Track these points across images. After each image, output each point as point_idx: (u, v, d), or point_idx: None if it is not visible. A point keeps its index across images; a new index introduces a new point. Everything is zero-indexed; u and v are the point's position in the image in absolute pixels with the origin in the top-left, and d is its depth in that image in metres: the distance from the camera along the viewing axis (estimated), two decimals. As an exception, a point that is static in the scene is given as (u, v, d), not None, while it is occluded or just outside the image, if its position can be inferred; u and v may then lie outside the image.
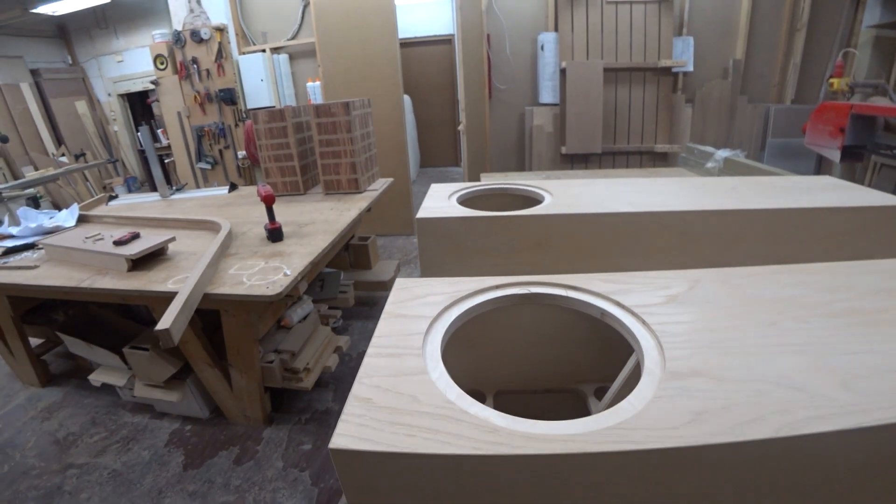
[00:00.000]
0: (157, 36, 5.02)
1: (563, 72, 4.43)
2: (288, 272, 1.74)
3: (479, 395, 1.29)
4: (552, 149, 4.81)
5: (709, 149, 3.34)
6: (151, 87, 5.71)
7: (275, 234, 2.17)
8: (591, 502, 0.70)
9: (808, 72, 4.30)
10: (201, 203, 3.21)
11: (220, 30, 4.69)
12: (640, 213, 1.61)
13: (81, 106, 6.73)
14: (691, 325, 0.92)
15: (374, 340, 0.96)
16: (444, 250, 1.73)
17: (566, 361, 1.28)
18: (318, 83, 4.60)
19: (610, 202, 1.73)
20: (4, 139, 5.51)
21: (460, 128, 3.98)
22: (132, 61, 6.59)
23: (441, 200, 1.89)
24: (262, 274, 1.76)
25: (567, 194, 1.86)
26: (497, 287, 1.13)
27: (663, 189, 1.91)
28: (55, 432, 2.28)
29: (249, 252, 2.05)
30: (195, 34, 4.63)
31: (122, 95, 6.79)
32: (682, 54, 4.45)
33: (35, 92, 6.50)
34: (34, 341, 2.73)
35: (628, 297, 1.03)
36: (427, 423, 0.72)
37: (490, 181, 2.20)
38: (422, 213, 1.72)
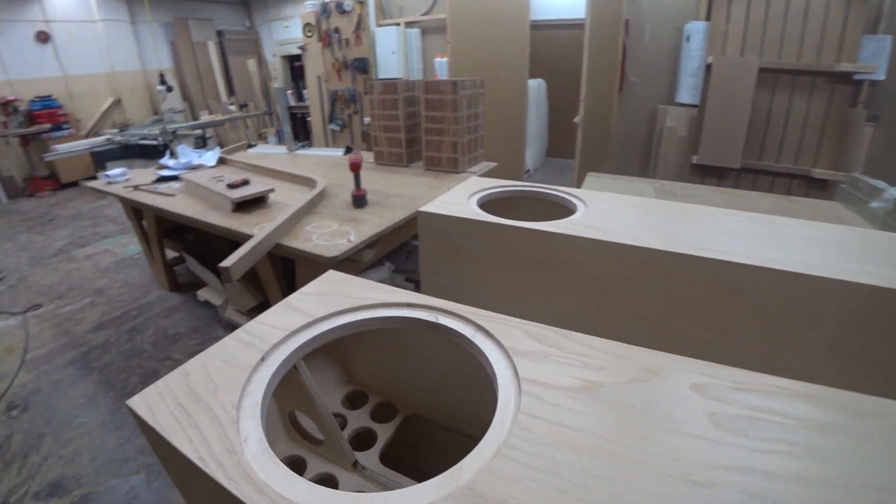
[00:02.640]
0: (308, 6, 5.52)
1: (707, 67, 3.93)
2: (352, 238, 1.85)
3: (391, 410, 1.23)
4: (682, 156, 4.34)
5: (880, 184, 2.69)
6: (298, 52, 6.33)
7: (358, 201, 2.30)
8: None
9: None
10: (317, 161, 3.51)
11: (361, 2, 5.01)
12: (682, 255, 1.22)
13: (252, 64, 7.69)
14: (571, 434, 0.68)
15: (247, 325, 0.98)
16: (443, 251, 1.61)
17: (475, 402, 1.14)
18: (445, 59, 4.70)
19: (651, 233, 1.31)
20: (169, 89, 6.55)
21: (576, 119, 3.78)
22: (295, 28, 7.32)
23: (460, 196, 1.74)
24: (331, 236, 1.89)
25: (603, 211, 1.56)
26: (409, 305, 1.04)
27: (765, 231, 1.37)
28: (167, 329, 2.79)
29: (331, 213, 2.21)
30: (339, 6, 5.03)
31: (283, 57, 7.61)
32: (873, 58, 3.63)
33: (218, 49, 7.59)
34: (170, 254, 3.30)
35: (538, 363, 0.82)
36: (205, 432, 0.73)
37: (526, 184, 1.92)
38: (426, 206, 1.62)
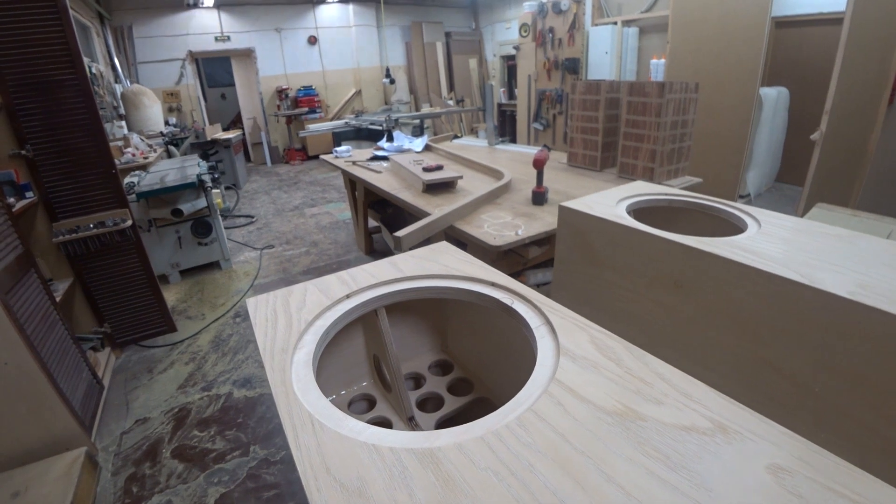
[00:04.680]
0: (526, 7, 5.64)
1: None
2: (520, 232, 1.85)
3: (469, 386, 1.24)
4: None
5: None
6: (513, 51, 6.52)
7: (537, 198, 2.29)
8: None
9: None
10: (513, 157, 3.60)
11: (578, 1, 4.90)
12: (871, 309, 0.90)
13: (473, 63, 8.26)
14: (569, 454, 0.60)
15: (351, 269, 1.12)
16: (579, 251, 1.53)
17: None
18: (662, 60, 4.32)
19: (836, 274, 1.01)
20: (392, 81, 7.38)
21: (814, 136, 3.09)
22: (515, 29, 7.60)
23: (610, 198, 1.62)
24: (502, 227, 1.93)
25: (779, 236, 1.23)
26: (493, 285, 1.03)
27: None
28: (354, 289, 3.24)
29: (509, 206, 2.25)
30: (556, 5, 5.02)
31: (502, 57, 7.96)
32: None
33: (444, 49, 8.34)
34: (372, 223, 3.80)
35: (583, 371, 0.74)
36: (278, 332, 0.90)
37: (693, 195, 1.66)
38: (569, 202, 1.56)
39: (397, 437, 0.64)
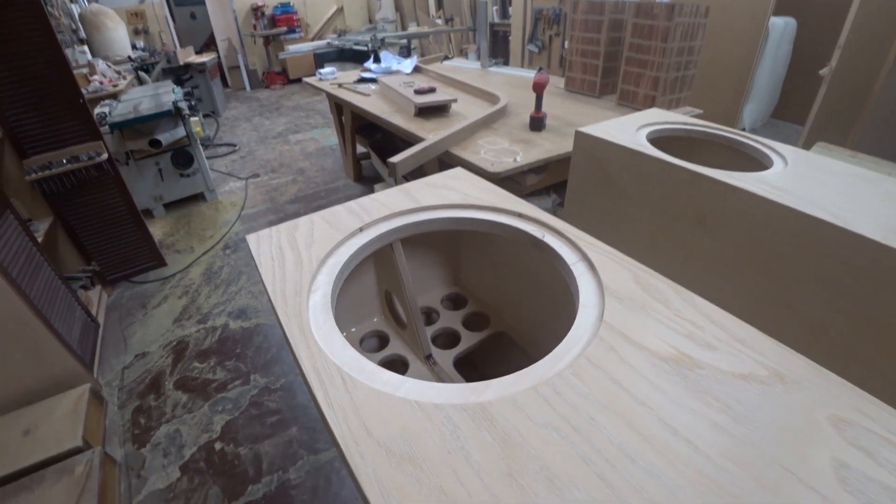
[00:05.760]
0: None
1: None
2: (518, 159, 1.78)
3: (484, 321, 1.20)
4: None
5: None
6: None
7: (535, 123, 2.19)
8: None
9: None
10: (507, 80, 3.41)
11: None
12: None
13: (462, -25, 7.61)
14: (631, 406, 0.55)
15: (361, 198, 1.03)
16: (595, 181, 1.46)
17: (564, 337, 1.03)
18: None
19: (867, 216, 0.97)
20: None
21: (823, 71, 2.95)
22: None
23: (628, 125, 1.52)
24: (499, 153, 1.85)
25: (808, 175, 1.17)
26: (520, 216, 0.95)
27: None
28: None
29: (506, 132, 2.15)
30: None
31: (494, -31, 7.33)
32: None
33: (432, -43, 7.64)
34: (360, 149, 3.68)
35: (631, 312, 0.68)
36: (287, 273, 0.81)
37: (714, 126, 1.56)
38: (587, 127, 1.46)
39: (441, 392, 0.58)
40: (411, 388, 0.59)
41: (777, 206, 1.04)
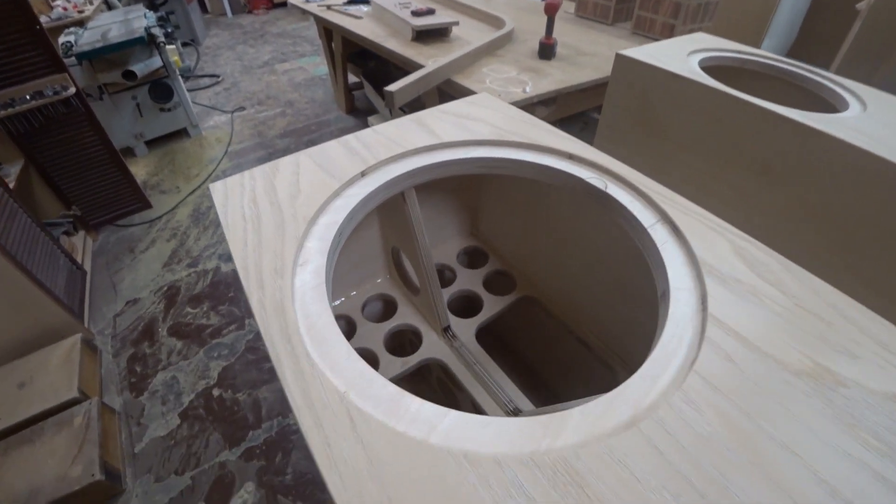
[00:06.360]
0: None
1: None
2: (528, 90, 1.61)
3: (509, 282, 1.04)
4: None
5: None
6: None
7: (544, 51, 1.99)
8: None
9: None
10: (513, 2, 3.11)
11: None
12: None
13: None
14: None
15: (361, 132, 0.81)
16: (634, 115, 1.25)
17: (615, 312, 0.85)
18: None
19: None
20: None
21: (860, 4, 2.65)
22: None
23: (678, 49, 1.30)
24: (506, 82, 1.68)
25: (890, 122, 1.00)
26: (571, 157, 0.75)
27: None
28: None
29: (513, 59, 1.96)
30: None
31: None
32: None
33: None
34: (352, 79, 3.44)
35: (743, 302, 0.51)
36: (264, 239, 0.61)
37: (780, 58, 1.35)
38: (629, 50, 1.25)
39: (499, 432, 0.41)
40: (453, 427, 0.41)
41: (865, 155, 0.88)
